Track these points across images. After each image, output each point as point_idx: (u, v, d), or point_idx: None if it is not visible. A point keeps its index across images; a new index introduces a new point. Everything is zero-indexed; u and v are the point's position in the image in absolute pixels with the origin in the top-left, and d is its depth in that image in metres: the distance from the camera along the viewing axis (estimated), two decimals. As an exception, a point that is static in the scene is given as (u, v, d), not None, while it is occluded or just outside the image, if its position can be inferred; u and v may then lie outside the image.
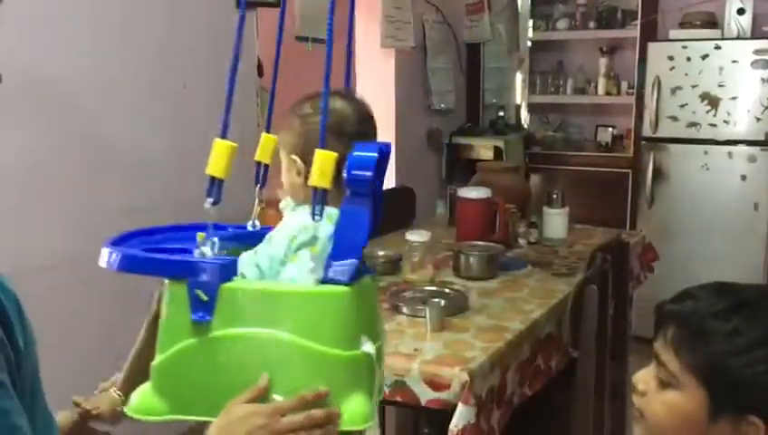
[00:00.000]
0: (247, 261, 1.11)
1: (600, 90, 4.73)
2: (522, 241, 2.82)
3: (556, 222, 2.90)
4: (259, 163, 1.32)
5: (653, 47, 4.07)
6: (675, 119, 4.00)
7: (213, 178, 1.16)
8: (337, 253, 1.04)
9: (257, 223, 1.31)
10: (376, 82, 4.15)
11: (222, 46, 2.94)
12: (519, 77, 5.03)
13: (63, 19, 2.38)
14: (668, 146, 4.04)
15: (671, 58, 3.97)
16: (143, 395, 1.10)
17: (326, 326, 1.03)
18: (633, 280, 2.81)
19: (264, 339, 1.02)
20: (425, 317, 1.91)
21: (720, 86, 3.87)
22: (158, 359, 1.08)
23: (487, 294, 2.22)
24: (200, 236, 1.12)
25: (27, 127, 2.31)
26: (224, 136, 1.20)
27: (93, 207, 2.50)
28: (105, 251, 1.17)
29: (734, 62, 3.83)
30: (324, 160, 1.02)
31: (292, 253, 1.09)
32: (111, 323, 2.57)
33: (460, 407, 1.61)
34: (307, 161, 1.12)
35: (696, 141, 3.96)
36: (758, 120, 3.80)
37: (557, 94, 4.94)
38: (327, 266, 1.04)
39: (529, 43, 4.99)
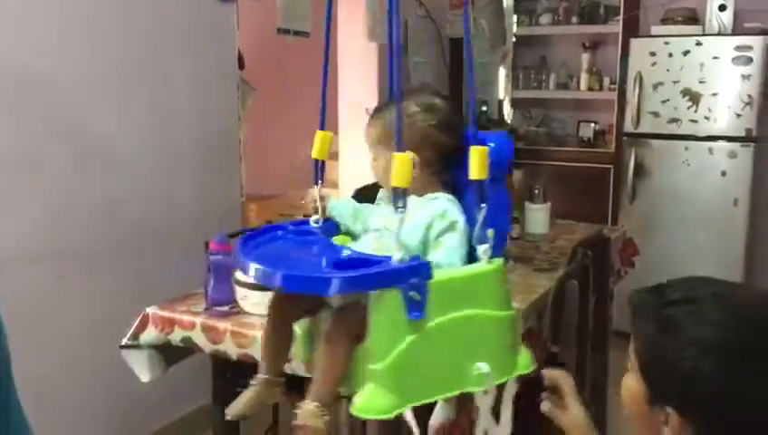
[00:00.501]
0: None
1: (583, 85, 4.75)
2: (504, 236, 2.82)
3: (538, 217, 2.90)
4: (317, 161, 1.42)
5: (635, 43, 4.08)
6: (656, 114, 4.02)
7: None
8: (487, 229, 1.20)
9: (320, 219, 1.39)
10: (358, 76, 4.13)
11: (203, 39, 2.92)
12: (502, 72, 5.03)
13: (44, 14, 2.34)
14: (650, 141, 4.06)
15: (653, 54, 3.99)
16: (371, 396, 1.16)
17: (501, 294, 1.23)
18: (614, 275, 2.82)
19: (465, 317, 1.18)
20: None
21: (701, 82, 3.89)
22: (381, 362, 1.14)
23: (469, 289, 2.21)
24: (343, 240, 1.30)
25: (9, 121, 2.27)
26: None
27: (76, 202, 2.48)
28: (332, 278, 1.13)
29: (715, 58, 3.85)
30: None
31: (433, 241, 1.24)
32: (93, 317, 2.55)
33: (440, 403, 1.60)
34: (421, 156, 1.25)
35: (677, 137, 3.98)
36: (738, 116, 3.83)
37: (540, 89, 4.95)
38: (478, 244, 1.20)
39: (512, 38, 4.99)
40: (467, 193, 1.25)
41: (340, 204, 1.43)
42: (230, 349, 1.90)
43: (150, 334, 2.03)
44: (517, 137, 4.86)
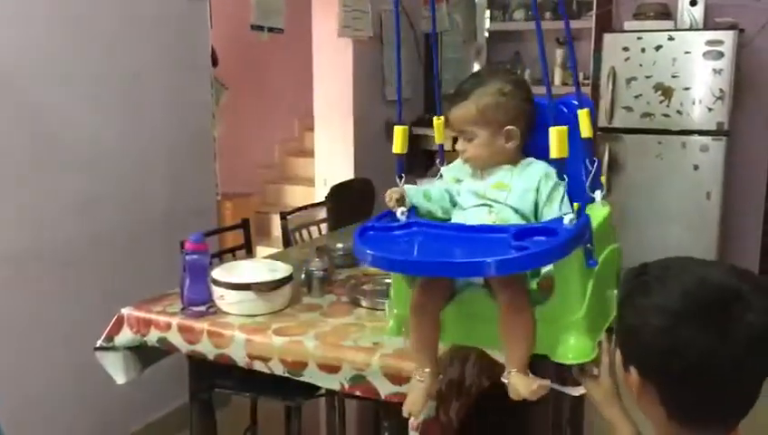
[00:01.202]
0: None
1: (557, 80, 4.77)
2: (481, 232, 2.82)
3: (514, 212, 2.91)
4: (442, 145, 1.59)
5: (608, 38, 4.11)
6: (629, 109, 4.06)
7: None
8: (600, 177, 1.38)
9: (405, 211, 1.43)
10: (333, 73, 4.11)
11: (175, 36, 2.88)
12: (476, 67, 5.03)
13: (12, 10, 2.29)
14: (624, 136, 4.10)
15: (626, 49, 4.02)
16: (576, 345, 1.28)
17: (613, 229, 1.44)
18: (590, 269, 2.84)
19: (609, 253, 1.37)
20: (385, 310, 1.89)
21: (673, 77, 3.93)
22: (579, 312, 1.27)
23: (447, 285, 2.21)
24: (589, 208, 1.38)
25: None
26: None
27: (49, 202, 2.43)
28: (555, 248, 1.22)
29: (686, 53, 3.89)
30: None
31: (545, 199, 1.37)
32: (68, 318, 2.51)
33: (421, 400, 1.60)
34: (519, 128, 1.40)
35: (651, 131, 4.02)
36: (710, 110, 3.87)
37: (515, 85, 4.95)
38: (592, 191, 1.36)
39: (486, 34, 5.00)
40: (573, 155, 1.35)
41: (412, 189, 1.48)
42: (207, 349, 1.88)
43: (126, 336, 2.00)
44: (492, 132, 4.87)
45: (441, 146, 1.59)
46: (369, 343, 1.76)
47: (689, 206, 3.96)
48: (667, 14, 4.13)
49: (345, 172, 4.08)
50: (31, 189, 2.39)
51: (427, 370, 1.42)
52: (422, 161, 4.18)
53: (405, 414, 1.44)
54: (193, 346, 1.90)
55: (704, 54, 3.85)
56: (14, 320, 2.37)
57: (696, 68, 3.88)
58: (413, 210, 1.45)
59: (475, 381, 1.87)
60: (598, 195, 1.38)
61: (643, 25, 4.07)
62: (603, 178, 1.41)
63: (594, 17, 4.41)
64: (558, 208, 1.35)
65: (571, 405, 2.45)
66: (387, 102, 4.38)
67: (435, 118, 1.58)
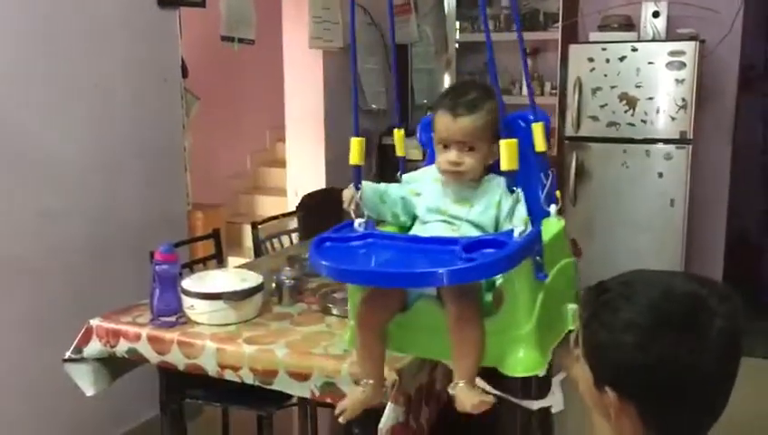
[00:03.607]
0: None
1: (525, 90, 4.83)
2: (450, 240, 2.86)
3: (483, 220, 2.94)
4: (403, 157, 1.61)
5: (574, 49, 4.19)
6: (595, 118, 4.13)
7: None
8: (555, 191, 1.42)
9: (363, 223, 1.46)
10: (304, 83, 4.13)
11: (142, 45, 2.88)
12: (447, 78, 5.09)
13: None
14: (590, 145, 4.17)
15: (591, 60, 4.10)
16: (527, 356, 1.30)
17: (567, 243, 1.47)
18: (558, 276, 2.88)
19: (561, 267, 1.40)
20: (354, 318, 1.91)
21: (637, 87, 4.01)
22: (527, 325, 1.29)
23: (416, 293, 2.24)
24: (524, 220, 1.37)
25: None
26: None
27: (15, 212, 2.41)
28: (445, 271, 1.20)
29: (650, 63, 3.98)
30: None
31: (505, 215, 1.39)
32: (35, 329, 2.48)
33: (389, 406, 1.62)
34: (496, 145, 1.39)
35: (616, 140, 4.10)
36: (673, 119, 3.96)
37: (484, 95, 5.01)
38: (547, 205, 1.40)
39: (455, 45, 5.06)
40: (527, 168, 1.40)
41: (370, 187, 1.50)
42: (178, 359, 1.88)
43: (95, 347, 1.99)
44: (462, 142, 4.91)
45: (402, 158, 1.60)
46: (339, 350, 1.78)
47: (654, 212, 4.04)
48: (630, 25, 4.21)
49: (317, 182, 4.09)
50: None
51: (371, 381, 1.47)
52: (395, 171, 4.22)
53: (336, 412, 1.49)
54: (163, 356, 1.90)
55: (666, 65, 3.94)
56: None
57: (659, 78, 3.97)
58: (371, 222, 1.46)
59: (444, 386, 1.89)
60: (552, 209, 1.41)
61: (607, 37, 4.15)
62: (558, 193, 1.43)
63: (560, 29, 4.48)
64: (522, 222, 1.36)
65: (541, 409, 2.48)
66: (359, 112, 4.40)
67: (395, 130, 1.60)
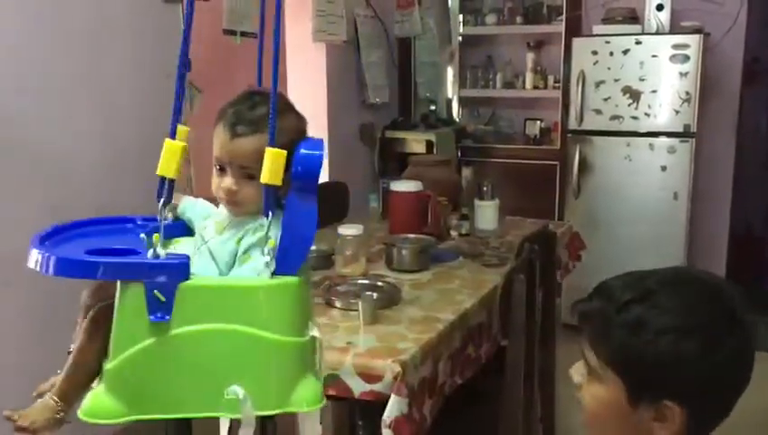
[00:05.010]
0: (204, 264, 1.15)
1: (528, 84, 4.83)
2: (453, 233, 2.87)
3: (487, 214, 2.95)
4: (172, 181, 1.17)
5: (577, 42, 4.18)
6: (599, 112, 4.12)
7: (163, 179, 1.13)
8: (286, 246, 1.09)
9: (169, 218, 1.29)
10: (307, 77, 4.13)
11: (147, 40, 2.88)
12: (450, 71, 5.09)
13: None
14: (593, 138, 4.16)
15: (595, 53, 4.09)
16: (97, 398, 1.09)
17: (282, 315, 1.09)
18: (561, 269, 2.89)
19: (221, 333, 1.06)
20: (358, 311, 1.92)
21: (641, 80, 4.00)
22: (113, 361, 1.06)
23: (419, 286, 2.25)
24: (155, 237, 1.10)
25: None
26: (173, 136, 1.16)
27: (19, 206, 2.42)
28: (36, 253, 1.13)
29: (653, 56, 3.97)
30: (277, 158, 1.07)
31: (241, 254, 1.14)
32: (36, 325, 2.49)
33: (393, 398, 1.63)
34: None
35: (619, 134, 4.09)
36: (677, 112, 3.95)
37: (487, 88, 5.02)
38: (278, 260, 1.08)
39: (459, 38, 5.05)
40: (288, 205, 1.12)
41: (199, 203, 1.36)
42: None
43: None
44: (466, 135, 4.93)
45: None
46: (342, 343, 1.78)
47: (657, 206, 4.04)
48: (634, 18, 4.20)
49: (320, 175, 4.09)
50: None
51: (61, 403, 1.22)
52: (397, 164, 4.23)
53: (15, 420, 1.19)
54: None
55: (670, 58, 3.93)
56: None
57: (662, 71, 3.96)
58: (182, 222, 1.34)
59: (447, 379, 1.90)
60: (263, 262, 1.08)
61: (611, 30, 4.14)
62: (272, 243, 1.09)
63: (564, 22, 4.48)
64: (249, 271, 1.12)
65: (543, 401, 2.50)
66: (362, 106, 4.41)
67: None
